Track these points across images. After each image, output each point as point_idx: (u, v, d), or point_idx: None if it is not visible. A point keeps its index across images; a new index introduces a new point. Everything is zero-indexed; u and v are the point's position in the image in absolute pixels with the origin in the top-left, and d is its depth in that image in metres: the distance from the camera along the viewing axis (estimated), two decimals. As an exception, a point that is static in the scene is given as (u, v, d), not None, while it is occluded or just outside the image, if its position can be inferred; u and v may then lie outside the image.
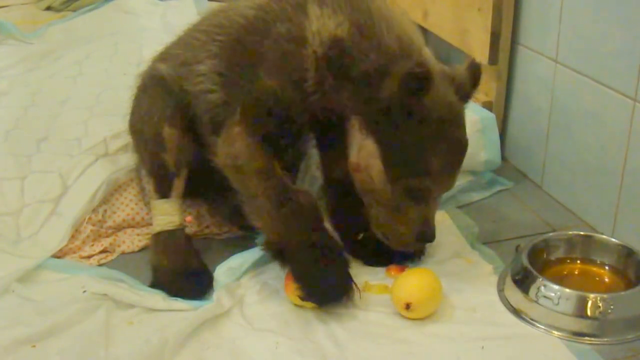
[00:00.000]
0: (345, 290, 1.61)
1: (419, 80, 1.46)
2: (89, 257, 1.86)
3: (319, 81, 1.57)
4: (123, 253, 1.90)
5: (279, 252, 1.65)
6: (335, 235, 1.79)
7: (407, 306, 1.59)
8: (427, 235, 1.64)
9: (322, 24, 1.56)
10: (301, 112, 1.60)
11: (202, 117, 1.74)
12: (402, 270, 1.72)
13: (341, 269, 1.62)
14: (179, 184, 1.80)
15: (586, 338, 1.56)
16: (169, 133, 1.76)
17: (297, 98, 1.59)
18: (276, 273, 1.70)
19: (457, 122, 1.56)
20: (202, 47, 1.72)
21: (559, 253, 1.78)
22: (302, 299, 1.60)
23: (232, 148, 1.62)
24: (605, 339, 1.55)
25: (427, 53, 1.59)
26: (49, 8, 3.52)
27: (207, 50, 1.71)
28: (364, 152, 1.57)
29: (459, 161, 1.59)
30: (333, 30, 1.55)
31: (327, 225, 1.83)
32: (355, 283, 1.63)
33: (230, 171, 1.64)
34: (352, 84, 1.55)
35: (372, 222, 1.66)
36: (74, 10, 3.43)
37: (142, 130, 1.82)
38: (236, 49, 1.66)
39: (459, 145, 1.57)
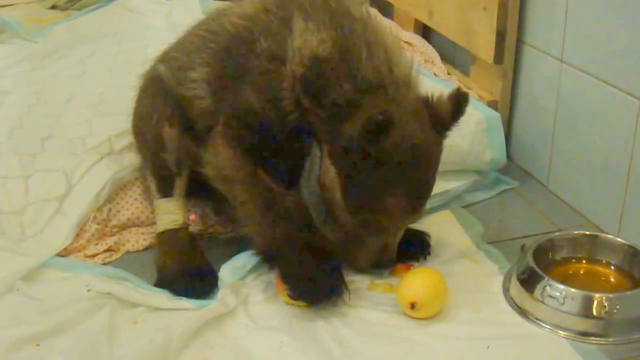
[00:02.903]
0: (335, 289, 1.61)
1: (379, 127, 1.45)
2: (94, 256, 1.86)
3: (296, 101, 1.57)
4: (127, 252, 1.90)
5: (269, 256, 1.67)
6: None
7: (412, 306, 1.58)
8: (384, 262, 1.68)
9: (305, 41, 1.56)
10: (280, 130, 1.62)
11: (197, 122, 1.75)
12: (407, 269, 1.72)
13: (330, 267, 1.62)
14: (180, 183, 1.81)
15: (592, 338, 1.55)
16: (169, 133, 1.77)
17: (275, 116, 1.60)
18: (281, 272, 1.70)
19: (421, 163, 1.54)
20: (197, 53, 1.74)
21: (564, 253, 1.78)
22: (291, 297, 1.61)
23: (217, 159, 1.65)
24: (611, 339, 1.55)
25: (410, 81, 1.58)
26: (53, 7, 3.52)
27: (200, 57, 1.73)
28: (328, 176, 1.59)
29: (421, 201, 1.59)
30: (315, 47, 1.55)
31: (331, 224, 1.84)
32: (345, 282, 1.63)
33: (217, 181, 1.68)
34: (323, 111, 1.55)
35: (334, 240, 1.70)
36: (79, 9, 3.43)
37: (143, 130, 1.84)
38: (225, 59, 1.68)
39: (420, 187, 1.57)
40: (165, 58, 1.86)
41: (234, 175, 1.64)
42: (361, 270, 1.73)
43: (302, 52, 1.55)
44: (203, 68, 1.71)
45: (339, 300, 1.63)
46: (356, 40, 1.55)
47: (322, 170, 1.62)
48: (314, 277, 1.59)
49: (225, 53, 1.67)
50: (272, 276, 1.71)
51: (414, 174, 1.53)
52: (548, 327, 1.58)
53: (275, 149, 1.64)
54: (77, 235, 1.87)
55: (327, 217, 1.70)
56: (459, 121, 1.61)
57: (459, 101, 1.59)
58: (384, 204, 1.53)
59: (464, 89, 1.62)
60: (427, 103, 1.57)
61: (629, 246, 1.73)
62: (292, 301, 1.63)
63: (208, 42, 1.72)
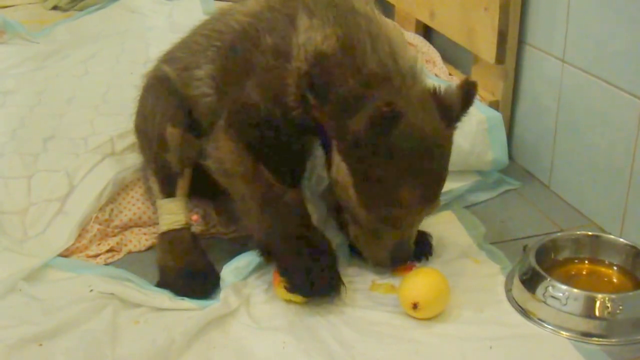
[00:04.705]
0: (332, 285, 1.62)
1: (386, 120, 1.45)
2: (96, 256, 1.86)
3: (301, 97, 1.57)
4: (130, 252, 1.90)
5: (267, 250, 1.68)
6: (337, 234, 1.82)
7: (415, 306, 1.58)
8: (402, 256, 1.68)
9: (309, 37, 1.56)
10: (283, 125, 1.62)
11: (202, 121, 1.75)
12: (410, 269, 1.72)
13: (328, 264, 1.63)
14: (183, 184, 1.81)
15: (594, 339, 1.55)
16: (172, 133, 1.77)
17: (278, 112, 1.60)
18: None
19: (432, 154, 1.53)
20: (202, 53, 1.74)
21: (566, 253, 1.78)
22: (288, 290, 1.62)
23: (219, 153, 1.65)
24: (614, 340, 1.55)
25: (416, 73, 1.57)
26: (55, 7, 3.53)
27: (206, 55, 1.73)
28: (341, 172, 1.58)
29: (435, 192, 1.58)
30: (319, 44, 1.54)
31: (333, 224, 1.84)
32: (341, 279, 1.64)
33: (219, 175, 1.68)
34: (329, 107, 1.55)
35: (351, 237, 1.71)
36: (80, 10, 3.44)
37: (145, 131, 1.84)
38: (230, 55, 1.68)
39: (433, 178, 1.56)
40: (169, 58, 1.86)
41: (235, 169, 1.64)
42: (380, 266, 1.73)
43: (307, 48, 1.55)
44: (208, 65, 1.71)
45: (335, 295, 1.64)
46: (360, 35, 1.55)
47: (333, 167, 1.61)
48: (311, 271, 1.60)
49: (231, 49, 1.68)
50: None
51: (425, 165, 1.52)
52: (550, 327, 1.58)
53: (277, 146, 1.65)
54: (79, 235, 1.88)
55: (342, 213, 1.70)
56: (469, 111, 1.60)
57: (467, 91, 1.58)
58: (397, 196, 1.52)
59: (472, 79, 1.61)
60: (434, 94, 1.57)
61: (632, 246, 1.73)
62: (287, 296, 1.64)
63: (213, 40, 1.72)
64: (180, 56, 1.81)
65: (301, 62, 1.55)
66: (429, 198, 1.57)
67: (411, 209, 1.56)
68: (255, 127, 1.62)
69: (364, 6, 1.62)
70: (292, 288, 1.61)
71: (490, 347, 1.53)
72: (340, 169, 1.57)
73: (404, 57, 1.56)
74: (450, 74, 2.53)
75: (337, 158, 1.58)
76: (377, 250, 1.68)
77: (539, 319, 1.60)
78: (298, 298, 1.63)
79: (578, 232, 1.82)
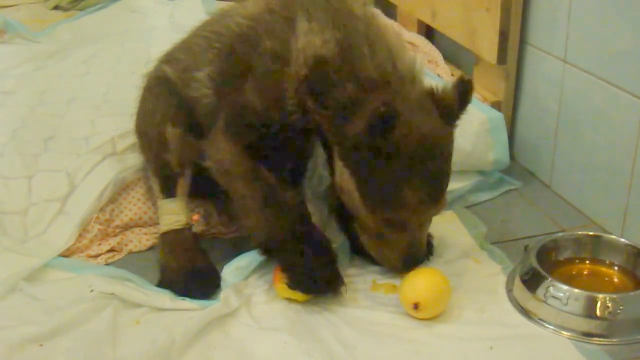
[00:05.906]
0: (332, 282, 1.63)
1: (384, 120, 1.44)
2: (97, 256, 1.86)
3: (299, 102, 1.57)
4: (130, 252, 1.90)
5: (267, 249, 1.67)
6: (338, 234, 1.83)
7: (415, 306, 1.58)
8: (414, 259, 1.67)
9: (308, 41, 1.55)
10: (281, 129, 1.62)
11: (202, 122, 1.75)
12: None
13: (328, 262, 1.63)
14: (183, 184, 1.81)
15: (595, 338, 1.55)
16: (172, 133, 1.78)
17: (276, 116, 1.60)
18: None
19: (433, 153, 1.52)
20: (202, 54, 1.75)
21: (567, 253, 1.77)
22: (289, 287, 1.62)
23: (218, 154, 1.66)
24: (615, 340, 1.55)
25: (415, 75, 1.57)
26: (56, 7, 3.53)
27: (205, 57, 1.73)
28: (344, 178, 1.58)
29: (439, 192, 1.57)
30: (319, 47, 1.54)
31: (334, 224, 1.84)
32: (342, 278, 1.64)
33: (218, 175, 1.68)
34: (328, 112, 1.54)
35: (362, 243, 1.70)
36: (82, 10, 3.43)
37: (146, 131, 1.84)
38: (229, 57, 1.68)
39: (436, 177, 1.55)
40: (170, 59, 1.86)
41: (235, 169, 1.64)
42: (393, 271, 1.72)
43: (306, 52, 1.55)
44: (208, 67, 1.71)
45: (335, 293, 1.65)
46: (359, 39, 1.55)
47: (337, 173, 1.61)
48: (312, 268, 1.60)
49: (230, 52, 1.68)
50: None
51: (427, 165, 1.52)
52: (551, 327, 1.58)
53: (276, 148, 1.65)
54: (80, 235, 1.87)
55: (351, 222, 1.71)
56: (467, 109, 1.60)
57: (464, 89, 1.58)
58: (401, 198, 1.52)
59: (467, 77, 1.61)
60: (432, 95, 1.57)
61: (633, 246, 1.73)
62: (287, 294, 1.64)
63: (213, 42, 1.72)
64: (180, 57, 1.82)
65: (300, 66, 1.55)
66: (434, 198, 1.56)
67: (416, 210, 1.56)
68: (254, 129, 1.62)
69: (362, 8, 1.62)
70: (293, 285, 1.62)
71: (491, 347, 1.52)
72: (343, 174, 1.57)
73: (402, 60, 1.56)
74: (452, 74, 2.53)
75: (339, 164, 1.58)
76: (388, 255, 1.67)
77: (540, 319, 1.60)
78: (298, 296, 1.63)
79: (579, 232, 1.82)
